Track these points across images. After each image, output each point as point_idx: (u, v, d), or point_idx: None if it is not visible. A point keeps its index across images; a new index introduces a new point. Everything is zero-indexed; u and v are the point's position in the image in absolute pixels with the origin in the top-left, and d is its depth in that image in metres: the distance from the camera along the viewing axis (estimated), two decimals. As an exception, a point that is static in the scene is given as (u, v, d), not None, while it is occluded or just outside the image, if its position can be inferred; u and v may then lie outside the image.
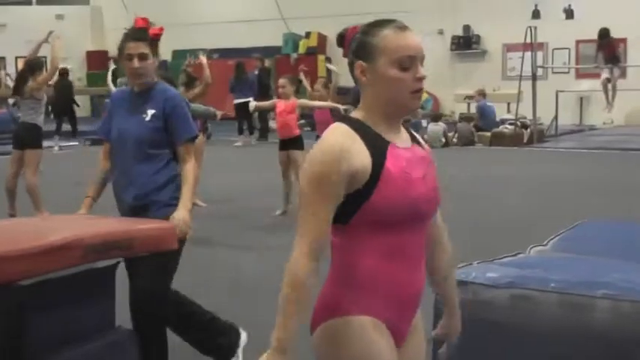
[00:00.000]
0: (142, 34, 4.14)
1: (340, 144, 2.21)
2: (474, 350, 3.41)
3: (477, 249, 6.86)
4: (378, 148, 2.26)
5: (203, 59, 10.16)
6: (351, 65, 2.37)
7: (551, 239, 4.82)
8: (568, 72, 23.86)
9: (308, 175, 2.21)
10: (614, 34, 18.65)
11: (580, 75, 23.51)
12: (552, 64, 23.63)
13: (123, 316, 3.85)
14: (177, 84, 9.15)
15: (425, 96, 24.54)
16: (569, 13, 24.13)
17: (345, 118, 2.35)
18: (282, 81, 10.02)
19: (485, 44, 25.32)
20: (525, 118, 19.87)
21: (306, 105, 10.61)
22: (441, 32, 25.58)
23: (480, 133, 19.50)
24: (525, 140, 19.12)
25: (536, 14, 23.98)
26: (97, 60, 29.79)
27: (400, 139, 2.35)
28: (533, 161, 15.92)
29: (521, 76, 19.25)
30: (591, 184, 12.22)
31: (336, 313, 2.28)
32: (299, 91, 10.45)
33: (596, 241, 4.82)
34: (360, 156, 2.22)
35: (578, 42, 23.49)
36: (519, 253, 4.32)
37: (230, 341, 4.49)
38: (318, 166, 2.20)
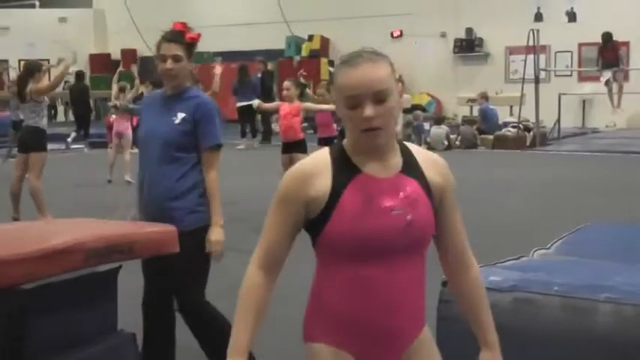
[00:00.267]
0: (178, 36, 4.14)
1: (308, 170, 2.28)
2: (476, 354, 3.40)
3: (480, 252, 6.83)
4: (342, 177, 2.25)
5: (218, 68, 10.07)
6: None
7: (555, 242, 4.81)
8: (571, 75, 23.87)
9: (276, 191, 2.33)
10: (617, 37, 18.68)
11: (582, 78, 23.51)
12: (555, 67, 23.65)
13: (125, 320, 3.84)
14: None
15: (427, 99, 24.57)
16: (572, 16, 24.14)
17: (334, 144, 2.40)
18: (286, 84, 10.02)
19: (487, 47, 25.33)
20: (528, 121, 19.88)
21: (310, 109, 10.59)
22: (443, 35, 25.60)
23: (482, 136, 19.50)
24: (528, 143, 19.12)
25: (538, 17, 24.00)
26: (99, 63, 29.83)
27: (381, 168, 2.27)
28: (536, 164, 15.91)
29: (523, 79, 19.26)
30: (594, 186, 12.21)
31: (306, 336, 2.36)
32: (303, 95, 10.40)
33: (599, 244, 4.81)
34: (321, 185, 2.25)
35: (580, 45, 23.50)
36: (522, 257, 4.31)
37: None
38: (283, 186, 2.30)
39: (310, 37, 26.42)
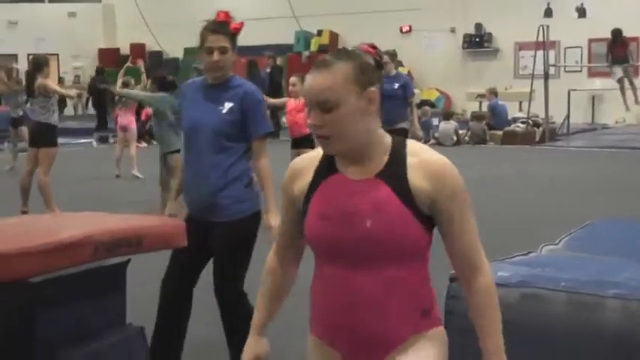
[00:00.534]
0: (223, 27, 4.12)
1: (297, 167, 2.35)
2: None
3: (489, 248, 6.83)
4: (320, 176, 2.28)
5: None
6: None
7: (563, 238, 4.80)
8: (580, 70, 23.80)
9: None
10: (627, 33, 18.61)
11: (592, 73, 23.44)
12: (564, 62, 23.58)
13: (133, 314, 3.86)
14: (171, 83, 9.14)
15: (436, 94, 24.54)
16: (582, 12, 24.05)
17: None
18: (293, 79, 10.07)
19: (497, 43, 25.27)
20: (537, 116, 19.85)
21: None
22: (452, 30, 25.55)
23: (491, 131, 19.47)
24: (537, 139, 19.09)
25: (548, 13, 23.92)
26: (108, 57, 29.85)
27: (358, 170, 2.24)
28: (545, 160, 15.89)
29: (533, 74, 19.23)
30: (603, 182, 12.19)
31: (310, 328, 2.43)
32: None
33: (607, 240, 4.80)
34: (303, 182, 2.31)
35: (590, 41, 23.41)
36: (531, 252, 4.31)
37: None
38: (283, 179, 2.39)
39: (319, 32, 26.40)
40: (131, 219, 3.96)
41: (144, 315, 4.17)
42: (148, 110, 13.51)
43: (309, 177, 2.30)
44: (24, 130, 14.00)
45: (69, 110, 28.18)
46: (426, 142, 19.21)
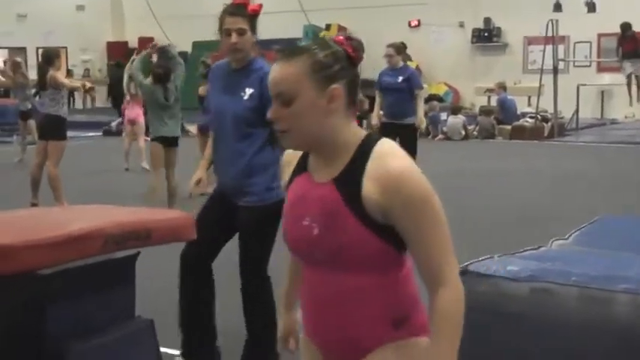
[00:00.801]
0: (240, 9, 4.14)
1: (286, 159, 2.29)
2: (494, 343, 3.41)
3: (498, 242, 6.84)
4: (295, 173, 2.24)
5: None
6: None
7: (573, 233, 4.79)
8: (589, 65, 23.74)
9: None
10: (636, 27, 18.54)
11: (601, 68, 23.38)
12: (574, 57, 23.51)
13: (142, 307, 3.86)
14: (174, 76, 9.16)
15: (445, 89, 24.50)
16: (591, 7, 23.96)
17: None
18: None
19: (506, 37, 25.20)
20: (546, 111, 19.80)
21: None
22: (461, 25, 25.49)
23: (500, 126, 19.45)
24: (546, 134, 19.06)
25: (557, 7, 23.82)
26: (117, 51, 29.88)
27: (321, 171, 2.14)
28: (554, 155, 15.85)
29: (542, 69, 19.17)
30: (612, 178, 12.16)
31: None
32: None
33: (617, 235, 4.79)
34: (286, 175, 2.28)
35: (599, 35, 23.34)
36: (541, 247, 4.30)
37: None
38: None
39: (327, 27, 26.36)
40: (140, 212, 3.96)
41: (153, 308, 4.17)
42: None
43: (290, 170, 2.26)
44: (32, 123, 14.04)
45: (78, 104, 28.24)
46: (434, 136, 19.22)
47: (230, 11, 4.13)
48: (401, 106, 9.95)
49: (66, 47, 27.69)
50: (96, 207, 4.13)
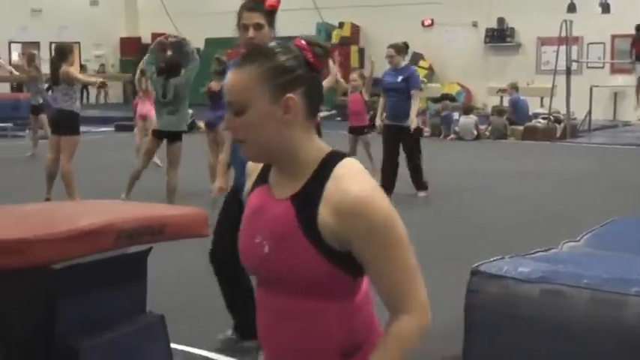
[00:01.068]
0: (258, 4, 4.16)
1: (250, 167, 2.14)
2: (504, 344, 3.40)
3: (509, 242, 6.83)
4: (256, 183, 2.09)
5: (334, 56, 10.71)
6: None
7: (584, 235, 4.78)
8: (603, 67, 23.67)
9: None
10: (651, 29, 18.45)
11: (615, 70, 23.31)
12: (587, 58, 23.44)
13: (154, 302, 3.87)
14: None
15: (457, 88, 24.46)
16: (605, 7, 23.89)
17: None
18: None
19: (519, 37, 25.15)
20: (559, 112, 19.75)
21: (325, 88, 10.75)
22: (475, 25, 25.45)
23: (512, 126, 19.40)
24: (558, 135, 18.99)
25: (571, 8, 23.76)
26: (130, 46, 29.97)
27: (281, 185, 1.99)
28: (566, 156, 15.81)
29: (555, 70, 19.12)
30: (624, 180, 12.12)
31: None
32: None
33: (629, 238, 4.78)
34: (249, 184, 2.13)
35: (613, 37, 23.27)
36: (551, 249, 4.29)
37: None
38: None
39: (341, 25, 26.35)
40: (153, 207, 3.97)
41: (164, 303, 4.18)
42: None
43: (253, 179, 2.11)
44: (43, 118, 14.09)
45: (92, 99, 28.31)
46: (445, 136, 19.20)
47: (248, 6, 4.16)
48: (402, 106, 9.91)
49: (79, 42, 27.76)
50: (108, 202, 4.15)
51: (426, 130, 19.78)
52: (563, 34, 19.05)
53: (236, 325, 4.69)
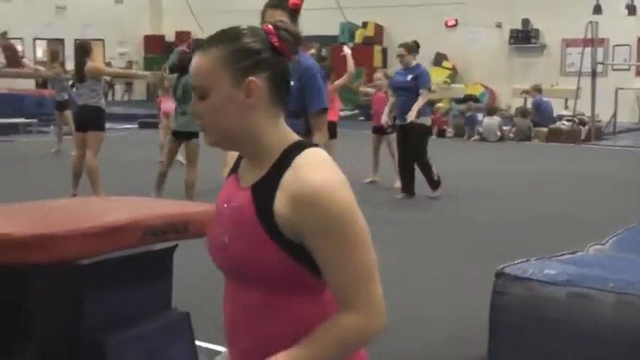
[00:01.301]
0: (281, 2, 4.21)
1: (229, 155, 2.14)
2: (530, 346, 3.39)
3: (534, 245, 6.81)
4: (230, 172, 2.04)
5: (347, 50, 10.70)
6: None
7: (610, 238, 4.75)
8: (628, 69, 23.51)
9: None
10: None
11: (640, 72, 23.16)
12: (612, 60, 23.28)
13: (179, 299, 3.88)
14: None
15: (481, 89, 24.37)
16: (632, 9, 23.70)
17: None
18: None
19: (544, 39, 25.01)
20: (583, 114, 19.63)
21: (339, 85, 10.78)
22: (499, 25, 25.33)
23: (536, 128, 19.31)
24: (583, 137, 18.88)
25: (597, 9, 23.59)
26: (154, 44, 30.08)
27: (247, 174, 1.94)
28: (591, 159, 15.71)
29: (580, 72, 19.01)
30: (649, 183, 12.03)
31: None
32: (328, 77, 10.19)
33: (655, 241, 4.74)
34: (224, 173, 2.14)
35: (639, 39, 23.09)
36: (577, 252, 4.27)
37: None
38: None
39: (364, 24, 26.32)
40: (178, 205, 3.99)
41: (189, 300, 4.20)
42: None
43: (230, 167, 2.08)
44: (68, 114, 14.18)
45: (117, 96, 28.46)
46: (469, 137, 19.13)
47: (271, 4, 4.22)
48: (410, 106, 9.89)
49: (103, 40, 27.92)
50: (135, 199, 4.17)
51: (449, 131, 19.78)
52: (589, 36, 18.94)
53: None
